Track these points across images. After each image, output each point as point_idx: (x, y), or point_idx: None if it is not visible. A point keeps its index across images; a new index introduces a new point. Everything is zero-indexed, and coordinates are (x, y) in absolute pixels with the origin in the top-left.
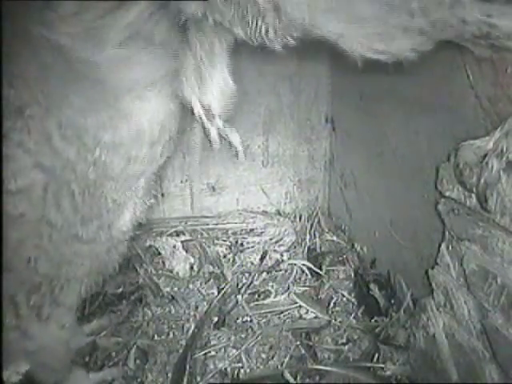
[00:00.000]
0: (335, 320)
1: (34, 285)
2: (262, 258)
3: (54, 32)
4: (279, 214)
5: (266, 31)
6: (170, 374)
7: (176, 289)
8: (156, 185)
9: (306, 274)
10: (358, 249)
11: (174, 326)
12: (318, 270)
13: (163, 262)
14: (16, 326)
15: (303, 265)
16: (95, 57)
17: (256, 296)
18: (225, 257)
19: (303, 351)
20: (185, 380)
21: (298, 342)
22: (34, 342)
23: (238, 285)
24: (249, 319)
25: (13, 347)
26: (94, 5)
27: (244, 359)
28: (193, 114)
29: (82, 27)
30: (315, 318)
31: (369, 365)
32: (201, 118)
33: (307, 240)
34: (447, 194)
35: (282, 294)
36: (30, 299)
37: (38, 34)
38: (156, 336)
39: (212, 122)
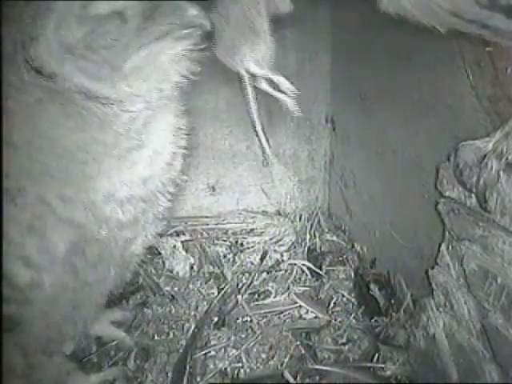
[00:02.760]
0: (335, 320)
1: (45, 338)
2: (262, 258)
3: None
4: (279, 214)
5: None
6: (169, 374)
7: (176, 289)
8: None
9: (306, 274)
10: (358, 249)
11: (174, 326)
12: (318, 270)
13: (163, 262)
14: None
15: (303, 265)
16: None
17: (256, 296)
18: (225, 257)
19: (303, 351)
20: (185, 380)
21: (298, 342)
22: (33, 370)
23: (237, 285)
24: (249, 319)
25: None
26: None
27: (244, 359)
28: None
29: None
30: (315, 317)
31: (369, 365)
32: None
33: (307, 240)
34: (447, 193)
35: (282, 294)
36: (41, 349)
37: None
38: (156, 336)
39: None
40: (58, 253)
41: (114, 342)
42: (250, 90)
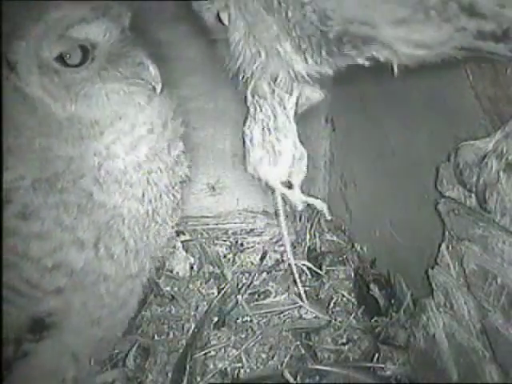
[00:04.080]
0: (335, 320)
1: (97, 340)
2: (262, 258)
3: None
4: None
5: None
6: (169, 374)
7: (176, 289)
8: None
9: (306, 274)
10: (358, 249)
11: (174, 326)
12: (318, 270)
13: (163, 262)
14: (73, 378)
15: (303, 265)
16: None
17: (256, 296)
18: (225, 257)
19: (303, 351)
20: (185, 380)
21: (298, 342)
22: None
23: (237, 285)
24: (249, 319)
25: None
26: None
27: (244, 359)
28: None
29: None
30: (315, 317)
31: (369, 365)
32: (283, 193)
33: (307, 240)
34: (447, 193)
35: (282, 294)
36: (91, 354)
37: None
38: (156, 336)
39: (293, 193)
40: (91, 239)
41: None
42: (279, 201)
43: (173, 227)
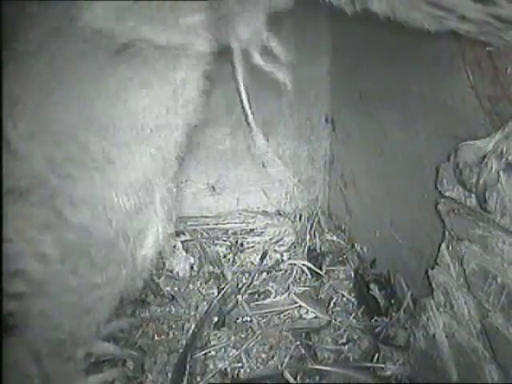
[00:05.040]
0: (335, 320)
1: (58, 341)
2: (262, 258)
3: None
4: (279, 214)
5: None
6: (169, 374)
7: (176, 289)
8: (175, 209)
9: (306, 274)
10: (358, 249)
11: (174, 326)
12: (318, 270)
13: (163, 262)
14: (38, 374)
15: (303, 265)
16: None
17: (256, 296)
18: (225, 257)
19: (303, 351)
20: (185, 380)
21: (298, 342)
22: (50, 378)
23: (237, 285)
24: (249, 319)
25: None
26: None
27: (244, 359)
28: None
29: None
30: (315, 317)
31: (369, 365)
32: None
33: (307, 240)
34: (447, 194)
35: (282, 294)
36: (53, 353)
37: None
38: (156, 336)
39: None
40: (55, 254)
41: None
42: (239, 64)
43: (155, 242)
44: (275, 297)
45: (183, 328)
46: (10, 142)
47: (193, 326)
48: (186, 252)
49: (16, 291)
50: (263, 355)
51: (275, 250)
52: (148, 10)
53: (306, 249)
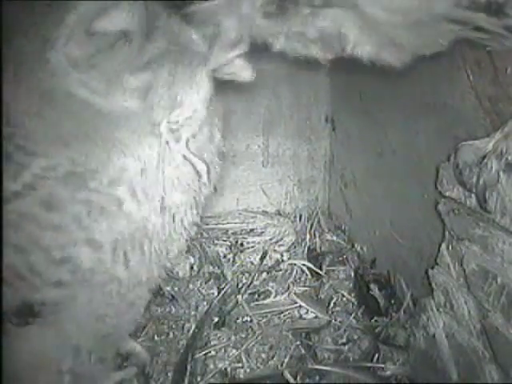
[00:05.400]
0: (335, 320)
1: (101, 336)
2: (262, 258)
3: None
4: (279, 214)
5: None
6: (170, 374)
7: (176, 289)
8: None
9: (306, 274)
10: (358, 249)
11: (174, 326)
12: (318, 270)
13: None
14: (70, 370)
15: (303, 265)
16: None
17: (256, 296)
18: (225, 257)
19: (303, 351)
20: (186, 380)
21: (298, 342)
22: (81, 378)
23: (238, 285)
24: (249, 319)
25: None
26: None
27: (244, 359)
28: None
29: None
30: (315, 317)
31: (369, 365)
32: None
33: (307, 240)
34: (447, 193)
35: (282, 294)
36: (93, 349)
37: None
38: (156, 336)
39: (179, 145)
40: (107, 242)
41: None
42: None
43: (187, 240)
44: (275, 297)
45: (183, 328)
46: None
47: (193, 326)
48: (186, 252)
49: (58, 279)
50: (263, 355)
51: (275, 250)
52: None
53: (306, 249)
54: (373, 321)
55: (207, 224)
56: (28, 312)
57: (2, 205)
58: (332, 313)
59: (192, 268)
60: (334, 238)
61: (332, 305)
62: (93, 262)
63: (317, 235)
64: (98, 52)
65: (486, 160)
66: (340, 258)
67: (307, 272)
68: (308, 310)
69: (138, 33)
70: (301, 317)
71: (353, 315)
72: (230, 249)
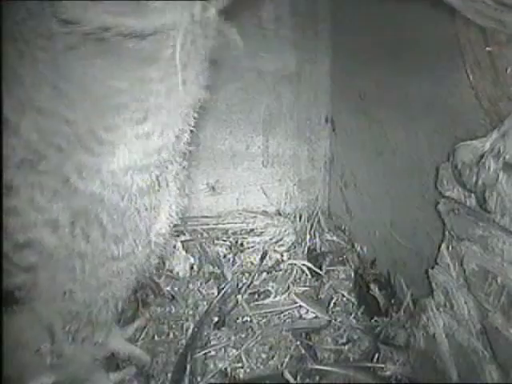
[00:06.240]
0: (335, 320)
1: (71, 313)
2: (262, 258)
3: None
4: (279, 214)
5: None
6: (170, 374)
7: (176, 289)
8: (187, 183)
9: (306, 274)
10: (358, 249)
11: (173, 326)
12: (318, 270)
13: (163, 262)
14: (51, 351)
15: (303, 265)
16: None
17: (256, 296)
18: (225, 257)
19: (303, 351)
20: (186, 380)
21: (298, 342)
22: (65, 359)
23: (237, 285)
24: (249, 319)
25: (41, 365)
26: None
27: (244, 359)
28: None
29: None
30: (315, 317)
31: (369, 365)
32: None
33: (307, 240)
34: (447, 193)
35: (282, 294)
36: (66, 327)
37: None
38: (156, 336)
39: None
40: (65, 220)
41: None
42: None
43: (168, 218)
44: (275, 297)
45: (183, 328)
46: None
47: (193, 326)
48: (186, 252)
49: (27, 263)
50: (263, 355)
51: (275, 250)
52: None
53: (306, 249)
54: (373, 321)
55: (207, 224)
56: (10, 299)
57: (1, 203)
58: (332, 313)
59: (192, 268)
60: (334, 238)
61: (332, 305)
62: (55, 241)
63: (317, 235)
64: None
65: (483, 160)
66: (340, 258)
67: (307, 272)
68: (308, 310)
69: None
70: (301, 317)
71: (353, 315)
72: (230, 249)
